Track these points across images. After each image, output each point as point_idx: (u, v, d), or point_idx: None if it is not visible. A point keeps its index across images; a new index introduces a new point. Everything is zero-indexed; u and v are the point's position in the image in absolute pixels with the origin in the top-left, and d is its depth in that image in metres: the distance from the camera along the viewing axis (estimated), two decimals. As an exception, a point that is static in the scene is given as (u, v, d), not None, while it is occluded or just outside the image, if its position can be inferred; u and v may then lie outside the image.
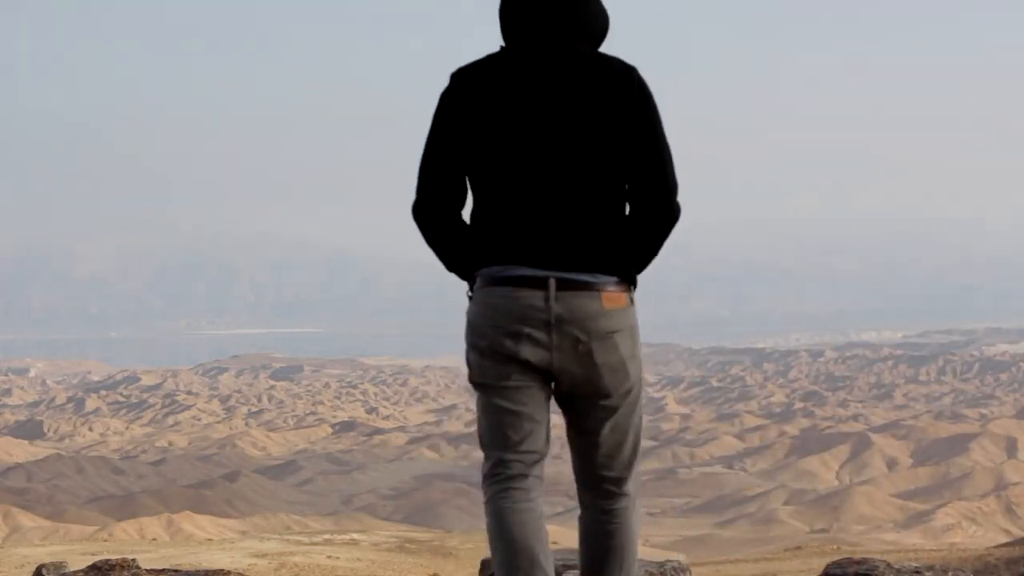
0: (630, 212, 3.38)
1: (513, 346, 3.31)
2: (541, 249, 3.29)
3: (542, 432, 3.40)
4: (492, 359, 3.35)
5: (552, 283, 3.28)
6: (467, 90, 3.34)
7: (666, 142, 3.35)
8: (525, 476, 3.38)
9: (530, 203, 3.30)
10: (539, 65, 3.33)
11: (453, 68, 3.42)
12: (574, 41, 3.35)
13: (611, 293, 3.33)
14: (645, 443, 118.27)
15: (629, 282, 3.40)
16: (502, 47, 3.40)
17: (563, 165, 3.29)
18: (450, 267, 3.46)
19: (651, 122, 3.33)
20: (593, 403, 3.39)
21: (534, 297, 3.28)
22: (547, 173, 3.29)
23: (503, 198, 3.32)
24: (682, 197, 3.43)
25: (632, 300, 3.41)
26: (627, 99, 3.31)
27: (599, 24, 3.41)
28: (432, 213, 3.39)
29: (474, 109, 3.32)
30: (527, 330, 3.29)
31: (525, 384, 3.35)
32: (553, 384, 3.39)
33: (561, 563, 5.93)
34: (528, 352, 3.31)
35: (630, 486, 3.56)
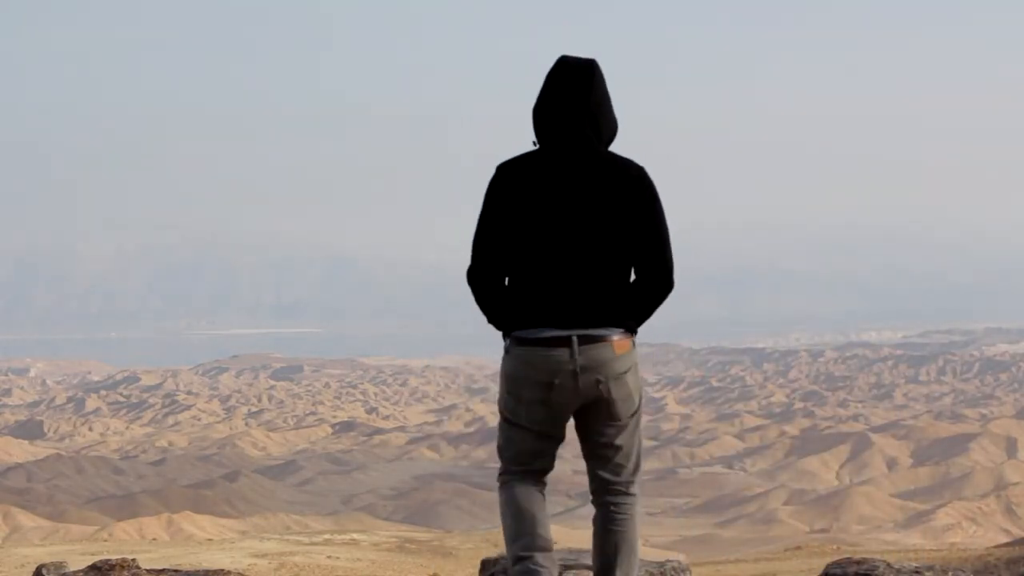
0: (635, 281, 4.42)
1: (548, 394, 4.34)
2: (564, 313, 4.31)
3: (553, 456, 4.50)
4: (527, 405, 4.38)
5: (575, 340, 4.31)
6: (510, 181, 4.34)
7: (667, 231, 4.39)
8: (535, 475, 4.48)
9: (557, 276, 4.30)
10: (568, 163, 4.34)
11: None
12: (595, 143, 4.37)
13: (619, 341, 4.38)
14: (645, 443, 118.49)
15: (631, 332, 4.43)
16: (534, 142, 4.43)
17: (584, 247, 4.31)
18: (493, 322, 4.47)
19: (656, 216, 4.36)
20: (608, 425, 4.44)
21: (562, 353, 4.31)
22: (571, 253, 4.30)
23: (535, 271, 4.32)
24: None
25: (634, 344, 4.47)
26: (639, 197, 4.33)
27: (613, 128, 4.45)
28: (483, 279, 4.41)
29: (515, 197, 4.33)
30: (558, 380, 4.32)
31: (547, 425, 4.41)
32: (572, 416, 4.44)
33: (561, 563, 5.95)
34: (559, 396, 4.35)
35: (635, 488, 4.57)
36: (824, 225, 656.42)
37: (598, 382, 4.34)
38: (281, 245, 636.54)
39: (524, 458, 4.46)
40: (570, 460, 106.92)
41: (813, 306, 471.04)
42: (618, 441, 4.46)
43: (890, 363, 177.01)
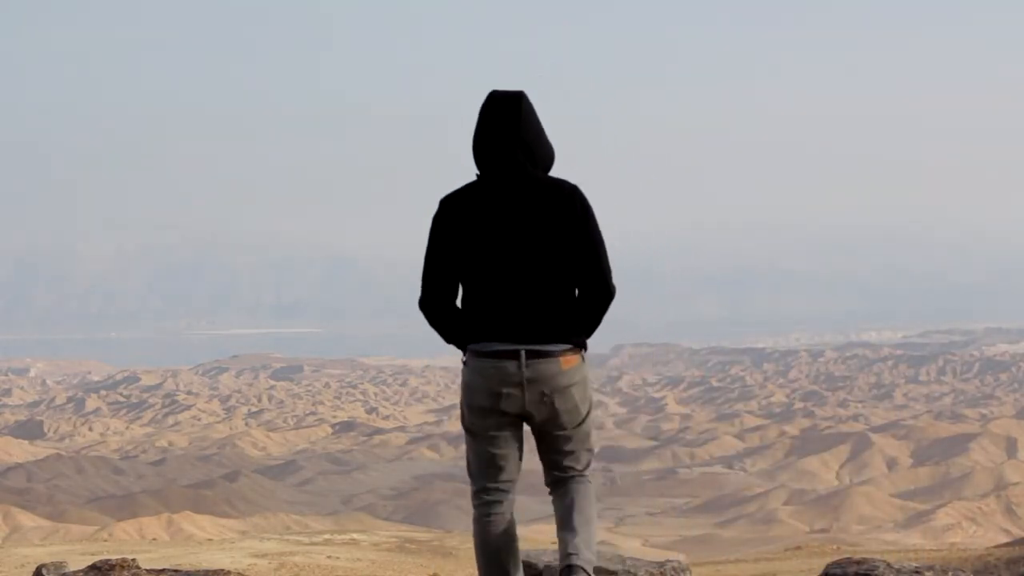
0: (578, 296, 4.75)
1: (497, 403, 4.71)
2: (513, 329, 4.67)
3: (516, 465, 4.85)
4: (480, 414, 4.75)
5: (523, 354, 4.67)
6: (452, 213, 4.72)
7: (601, 242, 4.71)
8: (501, 501, 4.83)
9: (504, 295, 4.68)
10: (506, 190, 4.70)
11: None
12: (528, 169, 4.73)
13: (566, 357, 4.70)
14: (645, 443, 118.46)
15: (579, 346, 4.76)
16: (477, 175, 4.78)
17: (526, 266, 4.66)
18: (448, 341, 4.84)
19: (590, 230, 4.69)
20: (555, 434, 4.80)
21: (511, 365, 4.67)
22: (515, 272, 4.66)
23: (484, 291, 4.70)
24: (614, 276, 4.79)
25: (583, 359, 4.78)
26: (572, 214, 4.67)
27: (548, 154, 4.81)
28: (433, 306, 4.80)
29: (459, 227, 4.70)
30: (507, 390, 4.68)
31: (504, 432, 4.77)
32: (525, 423, 4.81)
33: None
34: (507, 406, 4.71)
35: (588, 473, 4.91)
36: (824, 225, 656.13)
37: (543, 394, 4.70)
38: (281, 245, 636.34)
39: (487, 470, 4.83)
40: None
41: (813, 306, 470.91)
42: (567, 447, 4.82)
43: (890, 363, 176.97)
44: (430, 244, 4.77)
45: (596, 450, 4.98)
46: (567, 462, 4.83)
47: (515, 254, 4.66)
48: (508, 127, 4.73)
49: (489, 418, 4.75)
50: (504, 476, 4.82)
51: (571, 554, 4.69)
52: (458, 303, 4.85)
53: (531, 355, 4.67)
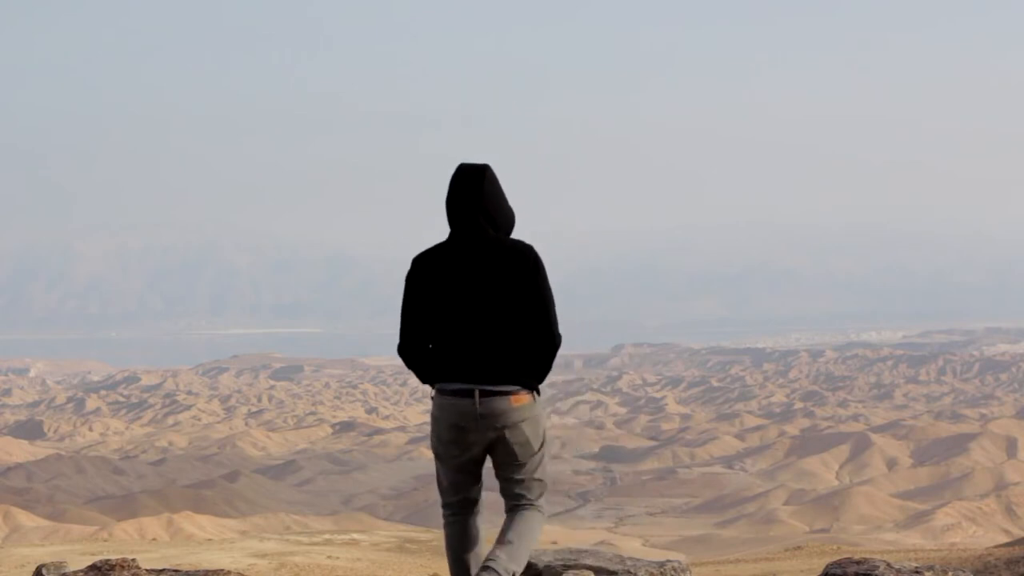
0: (529, 343, 5.44)
1: (457, 435, 5.49)
2: (470, 371, 5.42)
3: (477, 485, 5.65)
4: (445, 443, 5.54)
5: (477, 392, 5.42)
6: (422, 270, 5.51)
7: (548, 296, 5.43)
8: (465, 513, 5.66)
9: (464, 341, 5.43)
10: (469, 249, 5.45)
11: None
12: (489, 232, 5.47)
13: (516, 396, 5.43)
14: (645, 443, 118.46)
15: (530, 388, 5.47)
16: (449, 235, 5.53)
17: (484, 316, 5.41)
18: (422, 380, 5.62)
19: (539, 285, 5.41)
20: (509, 464, 5.54)
21: (467, 403, 5.43)
22: (474, 322, 5.42)
23: (448, 338, 5.46)
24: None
25: (535, 398, 5.50)
26: (523, 272, 5.40)
27: (508, 218, 5.55)
28: (409, 351, 5.59)
29: (427, 283, 5.49)
30: (464, 424, 5.46)
31: (465, 458, 5.54)
32: (486, 453, 5.56)
33: (561, 563, 6.21)
34: (466, 437, 5.48)
35: (540, 503, 5.63)
36: (824, 225, 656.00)
37: (496, 428, 5.43)
38: (281, 245, 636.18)
39: (453, 488, 5.62)
40: (570, 461, 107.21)
41: (813, 306, 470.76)
42: (519, 476, 5.54)
43: (890, 363, 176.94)
44: (404, 298, 5.56)
45: (549, 484, 5.70)
46: (519, 490, 5.56)
47: (474, 306, 5.41)
48: (472, 197, 5.47)
49: (452, 447, 5.53)
50: (468, 495, 5.64)
51: (489, 559, 5.40)
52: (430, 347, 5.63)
53: (484, 394, 5.41)
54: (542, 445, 5.55)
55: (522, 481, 5.54)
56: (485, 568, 5.35)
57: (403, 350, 5.61)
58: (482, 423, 5.42)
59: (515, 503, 5.57)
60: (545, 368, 5.47)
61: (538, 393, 5.53)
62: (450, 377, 5.46)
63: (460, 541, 5.62)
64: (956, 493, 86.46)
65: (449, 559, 5.66)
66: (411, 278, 5.54)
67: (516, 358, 5.43)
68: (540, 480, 5.58)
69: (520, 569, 5.44)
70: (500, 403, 5.41)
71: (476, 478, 5.63)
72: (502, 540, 5.47)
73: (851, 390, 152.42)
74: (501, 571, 5.34)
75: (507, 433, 5.44)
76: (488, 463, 5.67)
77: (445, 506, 5.68)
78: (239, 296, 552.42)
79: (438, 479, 5.68)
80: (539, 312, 5.41)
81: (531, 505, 5.56)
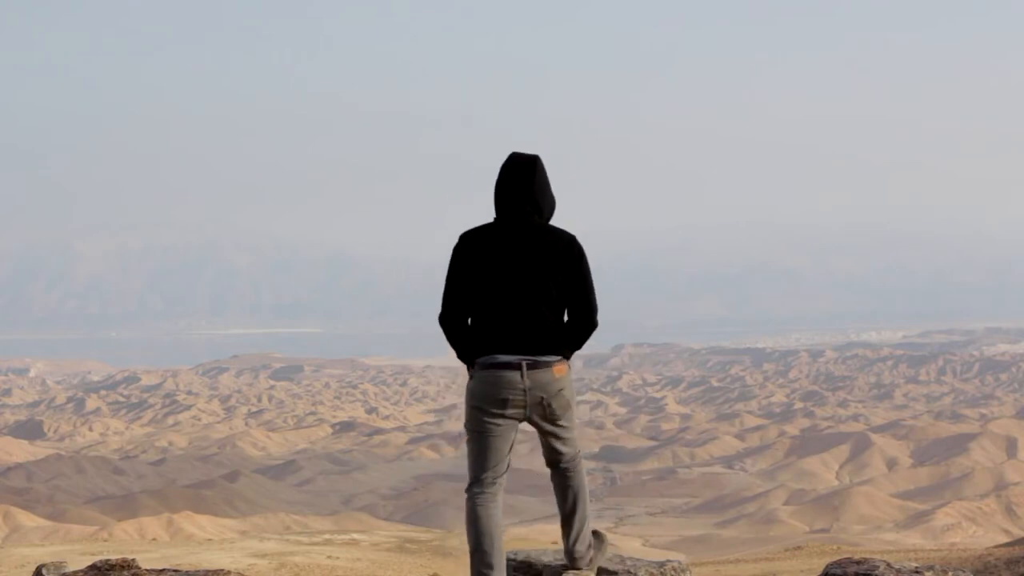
0: (568, 321, 5.89)
1: (501, 408, 5.84)
2: (515, 344, 5.80)
3: (508, 459, 5.96)
4: (487, 416, 5.86)
5: (524, 364, 5.81)
6: (470, 247, 5.85)
7: (590, 283, 5.86)
8: (494, 484, 5.92)
9: (508, 316, 5.81)
10: (515, 233, 5.84)
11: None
12: (536, 218, 5.89)
13: (557, 366, 5.86)
14: (646, 443, 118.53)
15: (566, 358, 5.90)
16: (495, 217, 5.92)
17: (526, 294, 5.79)
18: (460, 354, 5.91)
19: (582, 273, 5.85)
20: (552, 425, 5.95)
21: (513, 375, 5.81)
22: (518, 299, 5.79)
23: (492, 313, 5.82)
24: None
25: (570, 367, 5.94)
26: (568, 258, 5.82)
27: (552, 206, 5.96)
28: (452, 322, 5.89)
29: (475, 259, 5.83)
30: (510, 396, 5.82)
31: (504, 430, 5.87)
32: (523, 422, 5.93)
33: (561, 563, 6.27)
34: (510, 411, 5.85)
35: (576, 456, 6.10)
36: (824, 225, 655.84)
37: (542, 398, 5.83)
38: (281, 245, 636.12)
39: (489, 461, 5.88)
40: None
41: (813, 306, 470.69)
42: (562, 434, 5.98)
43: (890, 363, 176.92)
44: (451, 270, 5.87)
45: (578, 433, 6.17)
46: (562, 445, 6.01)
47: (517, 285, 5.78)
48: (523, 185, 5.87)
49: (493, 420, 5.85)
50: (499, 467, 5.89)
51: (571, 557, 6.14)
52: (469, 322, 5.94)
53: (530, 366, 5.79)
54: (574, 404, 6.05)
55: (565, 439, 5.99)
56: (574, 568, 6.12)
57: (445, 319, 5.90)
58: (529, 395, 5.80)
59: (561, 464, 6.06)
60: (580, 344, 5.90)
61: (568, 360, 5.96)
62: (494, 350, 5.82)
63: (485, 518, 5.83)
64: (956, 493, 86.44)
65: (470, 540, 5.85)
66: (458, 252, 5.87)
67: (556, 332, 5.83)
68: (575, 435, 6.07)
69: (590, 540, 6.18)
70: (545, 374, 5.81)
71: (506, 453, 5.93)
72: (566, 519, 6.10)
73: (851, 390, 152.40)
74: (584, 567, 6.09)
75: (552, 401, 5.85)
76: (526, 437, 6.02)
77: (474, 482, 5.91)
78: (239, 296, 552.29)
79: (472, 456, 5.94)
80: (581, 296, 5.84)
81: (573, 460, 6.07)
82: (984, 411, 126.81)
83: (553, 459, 6.07)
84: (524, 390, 5.79)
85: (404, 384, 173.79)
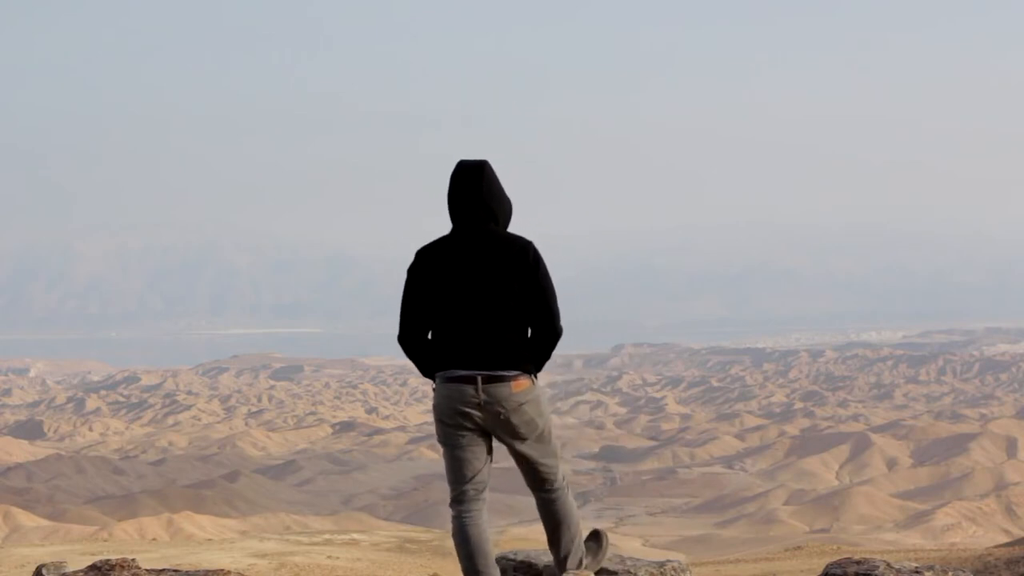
0: (531, 334, 5.70)
1: (461, 420, 5.67)
2: (472, 358, 5.63)
3: (485, 470, 5.76)
4: (450, 428, 5.70)
5: (479, 379, 5.63)
6: (425, 262, 5.70)
7: (550, 290, 5.65)
8: (476, 500, 5.73)
9: (466, 331, 5.63)
10: (470, 244, 5.66)
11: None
12: (490, 225, 5.70)
13: (517, 381, 5.64)
14: (645, 443, 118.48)
15: (529, 372, 5.67)
16: (452, 229, 5.73)
17: (484, 307, 5.61)
18: (422, 371, 5.79)
19: (540, 281, 5.64)
20: (517, 443, 5.73)
21: (469, 388, 5.63)
22: (474, 312, 5.62)
23: (450, 328, 5.66)
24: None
25: (534, 383, 5.69)
26: (524, 266, 5.62)
27: (507, 211, 5.77)
28: (409, 340, 5.77)
29: (430, 275, 5.67)
30: (467, 409, 5.65)
31: (471, 443, 5.70)
32: (490, 436, 5.74)
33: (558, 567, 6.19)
34: (470, 423, 5.67)
35: (559, 482, 5.87)
36: (824, 225, 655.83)
37: (499, 412, 5.63)
38: (281, 245, 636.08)
39: (463, 475, 5.72)
40: (570, 461, 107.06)
41: (813, 306, 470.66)
42: (531, 454, 5.75)
43: (890, 363, 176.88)
44: (406, 288, 5.75)
45: (562, 464, 5.96)
46: (536, 468, 5.79)
47: (475, 296, 5.61)
48: (472, 193, 5.69)
49: (457, 432, 5.69)
50: (476, 480, 5.72)
51: (557, 567, 5.95)
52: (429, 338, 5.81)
53: (486, 380, 5.61)
54: (547, 423, 5.78)
55: (543, 463, 5.77)
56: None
57: (403, 339, 5.78)
58: (486, 409, 5.62)
59: (541, 490, 5.85)
60: (545, 356, 5.72)
61: (535, 377, 5.74)
62: (452, 365, 5.65)
63: (471, 539, 5.67)
64: (956, 493, 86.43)
65: (462, 559, 5.71)
66: (414, 269, 5.73)
67: (516, 346, 5.64)
68: (555, 456, 5.82)
69: (582, 552, 5.94)
70: (502, 389, 5.61)
71: (483, 461, 5.73)
72: (552, 541, 5.92)
73: (851, 390, 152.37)
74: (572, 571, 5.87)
75: (511, 416, 5.63)
76: (501, 459, 5.83)
77: (454, 499, 5.74)
78: (239, 296, 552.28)
79: (446, 469, 5.79)
80: (541, 305, 5.64)
81: (552, 488, 5.83)
82: (984, 411, 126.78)
83: (532, 483, 5.86)
84: (479, 404, 5.61)
85: (404, 384, 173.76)
